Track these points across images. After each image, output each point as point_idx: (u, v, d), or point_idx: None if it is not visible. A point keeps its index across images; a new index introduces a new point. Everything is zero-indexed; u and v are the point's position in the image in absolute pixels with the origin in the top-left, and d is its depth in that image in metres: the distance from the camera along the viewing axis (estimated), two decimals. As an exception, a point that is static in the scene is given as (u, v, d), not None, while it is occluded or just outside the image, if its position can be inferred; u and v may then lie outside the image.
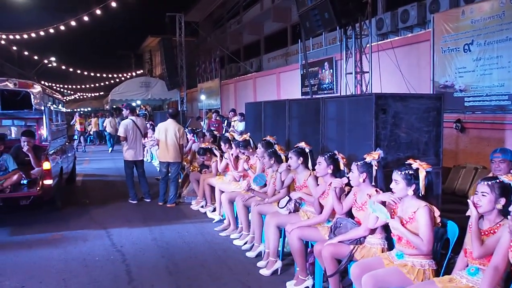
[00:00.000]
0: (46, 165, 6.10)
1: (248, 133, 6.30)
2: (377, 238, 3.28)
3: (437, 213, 2.87)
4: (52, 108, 7.69)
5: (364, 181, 3.39)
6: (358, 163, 3.36)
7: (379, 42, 8.50)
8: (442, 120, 4.10)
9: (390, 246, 3.26)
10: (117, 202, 7.53)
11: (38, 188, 5.96)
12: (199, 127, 15.21)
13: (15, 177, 5.96)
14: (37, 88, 6.89)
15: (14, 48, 27.45)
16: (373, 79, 7.65)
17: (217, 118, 13.57)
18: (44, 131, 7.20)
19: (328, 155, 3.86)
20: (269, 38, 19.70)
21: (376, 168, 3.33)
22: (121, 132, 7.36)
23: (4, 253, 4.85)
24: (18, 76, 32.31)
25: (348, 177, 3.59)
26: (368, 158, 3.35)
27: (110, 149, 17.39)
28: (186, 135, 8.15)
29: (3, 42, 22.54)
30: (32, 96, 6.83)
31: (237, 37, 22.56)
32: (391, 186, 3.01)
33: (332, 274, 3.29)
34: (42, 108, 6.93)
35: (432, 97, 4.33)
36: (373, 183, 3.39)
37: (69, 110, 13.53)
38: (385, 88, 7.44)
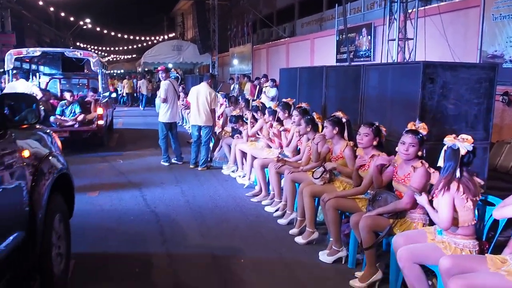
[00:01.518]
0: (100, 111, 8.66)
1: (294, 100, 6.12)
2: (419, 213, 3.16)
3: (459, 193, 2.68)
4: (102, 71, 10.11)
5: (421, 155, 3.21)
6: (417, 136, 3.16)
7: (426, 7, 8.02)
8: (494, 92, 3.85)
9: (432, 222, 3.14)
10: (150, 163, 7.67)
11: (95, 125, 8.49)
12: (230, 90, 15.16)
13: (80, 117, 8.57)
14: (95, 57, 9.41)
15: (51, 9, 27.72)
16: (416, 46, 7.29)
17: (246, 80, 13.43)
18: (99, 87, 9.65)
19: (375, 126, 3.69)
20: (303, 2, 19.07)
21: (425, 140, 3.16)
22: (162, 93, 7.39)
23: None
24: (55, 36, 32.86)
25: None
26: (422, 131, 3.16)
27: (142, 108, 19.74)
28: (218, 99, 8.10)
29: (41, 3, 22.78)
30: (91, 62, 9.28)
31: (271, 0, 21.98)
32: None
33: (368, 247, 3.20)
34: (98, 71, 9.40)
35: (485, 67, 4.06)
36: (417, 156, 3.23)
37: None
38: (428, 56, 7.08)
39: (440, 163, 2.81)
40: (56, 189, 2.88)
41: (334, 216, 3.68)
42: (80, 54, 9.47)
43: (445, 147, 2.78)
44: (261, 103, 7.08)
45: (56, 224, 2.91)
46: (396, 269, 2.99)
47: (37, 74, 11.23)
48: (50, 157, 2.94)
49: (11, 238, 2.29)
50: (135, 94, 22.25)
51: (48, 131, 3.28)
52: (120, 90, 22.61)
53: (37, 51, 9.34)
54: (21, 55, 9.18)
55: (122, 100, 22.70)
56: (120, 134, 11.48)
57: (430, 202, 2.87)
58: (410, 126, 3.23)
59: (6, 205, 2.32)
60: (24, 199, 2.48)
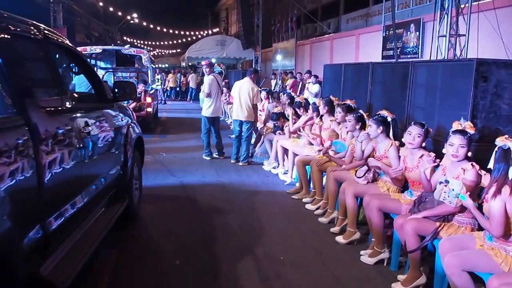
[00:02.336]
0: (148, 99, 10.24)
1: (339, 101, 5.99)
2: (467, 217, 3.03)
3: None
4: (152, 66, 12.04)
5: (468, 154, 3.07)
6: (465, 136, 3.03)
7: (479, 2, 7.66)
8: (553, 92, 3.62)
9: (481, 226, 3.01)
10: (192, 157, 7.79)
11: (145, 112, 10.05)
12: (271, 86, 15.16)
13: (132, 105, 9.59)
14: (146, 54, 11.38)
15: (101, 4, 28.68)
16: (468, 43, 6.98)
17: (290, 77, 13.39)
18: (148, 80, 11.28)
19: (426, 127, 3.53)
20: (350, -3, 18.70)
21: (472, 139, 3.01)
22: (205, 88, 7.50)
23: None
24: (103, 31, 33.94)
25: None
26: (470, 131, 3.02)
27: (190, 100, 21.45)
28: (261, 95, 8.10)
29: (91, -2, 23.61)
30: (142, 59, 11.25)
31: (316, -5, 21.69)
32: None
33: (413, 250, 3.11)
34: (148, 66, 11.26)
35: (544, 65, 3.81)
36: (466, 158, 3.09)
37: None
38: (480, 53, 6.76)
39: (491, 165, 2.68)
40: (135, 146, 4.27)
41: (378, 217, 3.59)
42: (134, 51, 11.46)
43: (496, 148, 2.66)
44: (305, 99, 7.02)
45: (135, 169, 4.37)
46: (441, 274, 2.89)
47: (95, 68, 12.56)
48: (132, 124, 4.31)
49: (116, 169, 3.75)
50: (177, 89, 22.77)
51: (125, 106, 4.50)
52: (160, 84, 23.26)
53: (98, 49, 11.04)
54: (86, 52, 10.57)
55: (166, 94, 23.21)
56: (163, 127, 11.87)
57: (480, 206, 2.75)
58: (456, 126, 3.09)
59: (115, 150, 3.72)
60: (122, 148, 3.90)
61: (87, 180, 3.04)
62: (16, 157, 2.00)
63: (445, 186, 2.87)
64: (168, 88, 23.02)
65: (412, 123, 3.63)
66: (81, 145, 2.81)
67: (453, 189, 2.82)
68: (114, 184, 3.69)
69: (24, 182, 2.05)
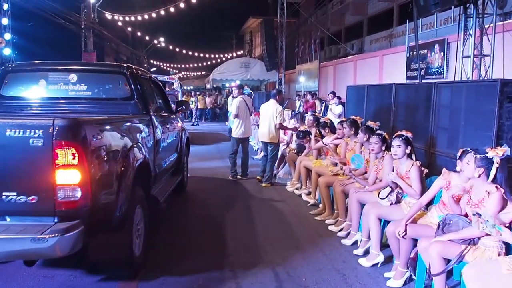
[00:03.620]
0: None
1: (359, 117, 5.98)
2: (494, 240, 2.96)
3: None
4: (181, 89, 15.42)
5: (479, 176, 3.04)
6: (477, 156, 3.00)
7: (504, 22, 7.60)
8: None
9: (509, 251, 2.94)
10: (216, 177, 7.88)
11: None
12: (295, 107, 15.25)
13: None
14: (177, 80, 14.90)
15: (129, 29, 29.71)
16: (493, 63, 6.90)
17: (313, 99, 13.44)
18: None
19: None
20: (373, 19, 18.83)
21: (497, 165, 2.95)
22: (233, 110, 7.66)
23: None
24: (131, 55, 35.05)
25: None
26: (490, 153, 2.99)
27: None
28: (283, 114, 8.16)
29: (120, 24, 24.51)
30: (174, 84, 14.31)
31: (339, 17, 21.94)
32: None
33: (437, 274, 3.06)
34: (178, 89, 14.19)
35: None
36: (491, 181, 3.04)
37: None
38: (506, 74, 6.68)
39: None
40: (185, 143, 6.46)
41: (409, 244, 3.54)
42: (167, 78, 14.63)
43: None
44: (329, 120, 7.03)
45: (185, 158, 6.38)
46: (467, 299, 2.82)
47: None
48: (184, 128, 6.43)
49: (176, 154, 5.74)
50: (205, 110, 23.14)
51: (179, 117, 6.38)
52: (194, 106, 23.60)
53: None
54: None
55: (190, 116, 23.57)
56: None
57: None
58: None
59: (175, 144, 5.74)
60: (179, 143, 5.93)
61: (168, 153, 5.21)
62: (148, 133, 4.16)
63: (479, 217, 2.81)
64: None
65: (470, 149, 3.19)
66: (167, 133, 5.05)
67: (487, 220, 2.75)
68: (175, 163, 5.67)
69: (151, 145, 4.21)
